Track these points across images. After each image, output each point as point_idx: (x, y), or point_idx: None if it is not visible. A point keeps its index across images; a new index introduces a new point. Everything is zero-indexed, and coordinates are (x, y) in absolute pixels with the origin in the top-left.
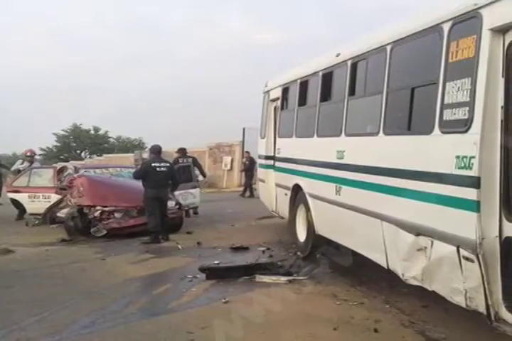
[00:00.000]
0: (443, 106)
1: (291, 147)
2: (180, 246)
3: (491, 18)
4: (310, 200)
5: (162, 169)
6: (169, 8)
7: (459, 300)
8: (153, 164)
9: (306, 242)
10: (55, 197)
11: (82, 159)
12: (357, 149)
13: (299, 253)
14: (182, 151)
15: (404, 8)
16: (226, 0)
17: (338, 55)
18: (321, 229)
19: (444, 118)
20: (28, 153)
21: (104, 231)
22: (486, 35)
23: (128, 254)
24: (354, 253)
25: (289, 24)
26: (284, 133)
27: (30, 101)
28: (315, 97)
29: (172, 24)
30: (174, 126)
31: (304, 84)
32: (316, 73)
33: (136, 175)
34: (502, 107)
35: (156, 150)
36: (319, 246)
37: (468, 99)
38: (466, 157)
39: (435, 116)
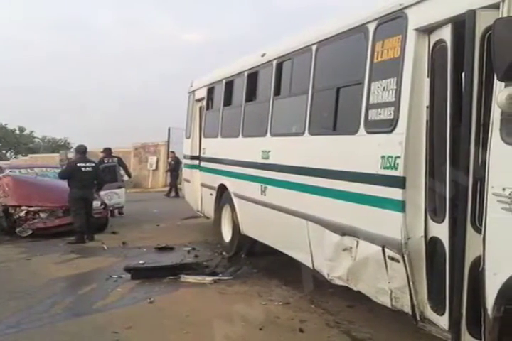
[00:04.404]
0: (368, 106)
1: (216, 147)
2: (105, 246)
3: (417, 18)
4: (235, 200)
5: (87, 169)
6: (97, 8)
7: (385, 300)
8: (78, 164)
9: (231, 242)
10: None
11: (7, 159)
12: (282, 149)
13: (224, 253)
14: (107, 151)
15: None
16: (154, 0)
17: (263, 55)
18: (247, 229)
19: (370, 119)
20: None
21: (30, 231)
22: (411, 35)
23: (53, 254)
24: (280, 254)
25: (218, 24)
26: (210, 133)
27: None
28: (240, 97)
29: (100, 24)
30: (100, 125)
31: (229, 84)
32: (241, 73)
33: (62, 175)
34: (427, 107)
35: (82, 150)
36: (244, 246)
37: (393, 99)
38: (391, 157)
39: (360, 116)
